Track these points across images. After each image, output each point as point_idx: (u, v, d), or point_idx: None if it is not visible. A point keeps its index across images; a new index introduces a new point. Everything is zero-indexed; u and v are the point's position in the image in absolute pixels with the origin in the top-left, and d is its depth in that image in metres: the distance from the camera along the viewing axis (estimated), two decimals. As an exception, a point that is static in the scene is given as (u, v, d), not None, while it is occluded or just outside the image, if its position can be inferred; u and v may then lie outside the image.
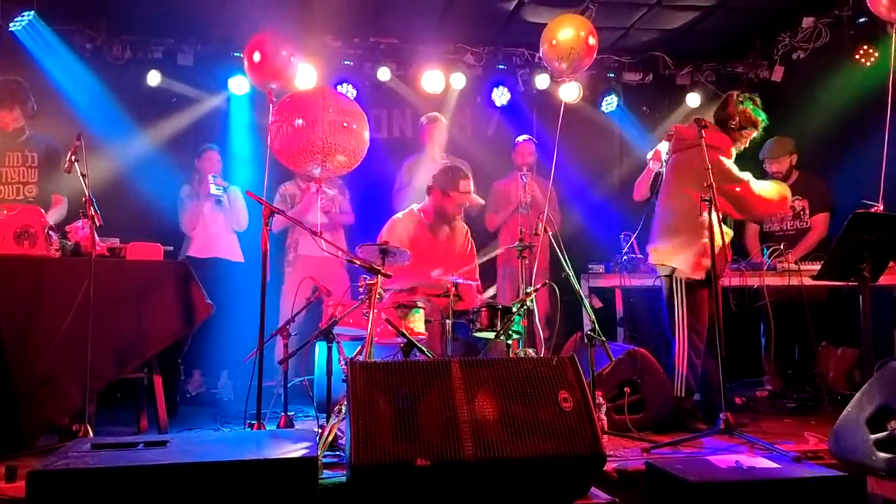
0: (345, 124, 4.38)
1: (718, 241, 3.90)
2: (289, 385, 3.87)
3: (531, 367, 2.89)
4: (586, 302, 4.52)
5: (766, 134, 4.67)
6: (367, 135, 4.58)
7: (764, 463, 2.99)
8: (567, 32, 4.71)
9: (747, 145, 4.50)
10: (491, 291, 5.38)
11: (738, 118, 4.36)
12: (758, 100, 4.45)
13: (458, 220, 5.17)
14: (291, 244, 5.78)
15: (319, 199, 5.32)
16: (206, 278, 4.29)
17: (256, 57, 4.54)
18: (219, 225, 5.74)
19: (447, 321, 4.31)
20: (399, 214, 5.06)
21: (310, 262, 5.55)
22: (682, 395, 4.20)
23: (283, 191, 5.79)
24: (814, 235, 5.38)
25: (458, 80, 6.44)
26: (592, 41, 4.74)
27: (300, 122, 4.31)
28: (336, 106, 4.43)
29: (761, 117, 4.40)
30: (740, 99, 4.39)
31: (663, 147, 5.18)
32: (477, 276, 5.10)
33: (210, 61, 6.13)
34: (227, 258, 5.74)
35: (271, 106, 4.55)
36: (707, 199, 3.83)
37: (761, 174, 5.24)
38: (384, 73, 6.34)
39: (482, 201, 5.70)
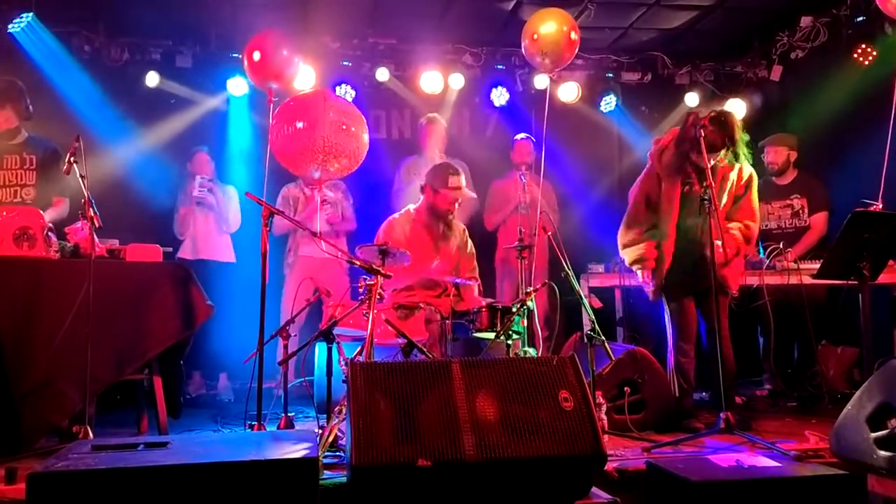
0: (343, 127, 4.39)
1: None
2: (289, 386, 3.87)
3: (531, 367, 2.89)
4: (586, 302, 4.52)
5: (766, 134, 4.67)
6: (366, 138, 4.59)
7: (765, 462, 2.98)
8: (548, 27, 4.68)
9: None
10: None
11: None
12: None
13: (455, 219, 5.17)
14: (292, 246, 5.80)
15: (320, 203, 5.33)
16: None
17: (256, 56, 4.54)
18: (208, 227, 5.76)
19: (447, 322, 4.31)
20: (396, 215, 5.07)
21: (310, 263, 5.56)
22: (677, 394, 4.23)
23: (286, 193, 5.80)
24: (812, 235, 5.38)
25: (457, 81, 6.44)
26: (574, 36, 4.71)
27: (301, 124, 4.31)
28: (336, 109, 4.44)
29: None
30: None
31: None
32: (477, 276, 5.11)
33: (208, 63, 6.13)
34: (217, 259, 5.74)
35: (271, 106, 4.55)
36: (706, 198, 3.83)
37: (757, 162, 5.17)
38: (383, 74, 6.34)
39: (474, 195, 5.68)
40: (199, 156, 5.77)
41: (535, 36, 4.69)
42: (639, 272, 4.37)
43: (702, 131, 3.90)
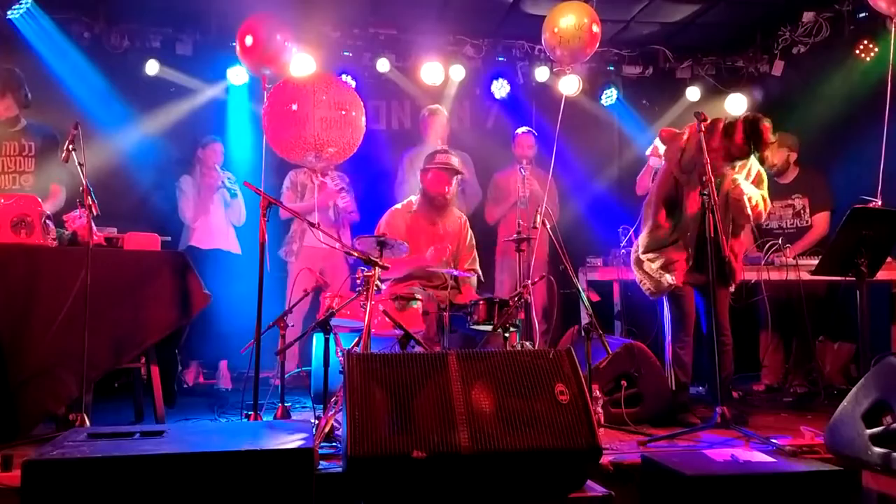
0: (343, 112, 4.34)
1: None
2: (286, 376, 3.87)
3: (528, 359, 2.89)
4: (584, 295, 4.52)
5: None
6: (363, 120, 4.52)
7: (760, 457, 2.99)
8: (569, 20, 4.67)
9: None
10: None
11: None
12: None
13: (453, 209, 5.15)
14: (297, 233, 5.76)
15: (338, 191, 5.32)
16: (207, 269, 4.29)
17: (249, 41, 4.48)
18: (221, 217, 5.74)
19: (444, 313, 4.31)
20: (398, 205, 5.07)
21: (314, 252, 5.54)
22: (673, 388, 4.23)
23: (294, 178, 5.75)
24: (814, 234, 5.33)
25: (458, 72, 6.42)
26: (596, 29, 4.70)
27: (294, 106, 4.26)
28: (329, 94, 4.37)
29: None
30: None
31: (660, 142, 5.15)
32: (477, 268, 5.10)
33: (209, 51, 6.10)
34: (228, 250, 5.74)
35: (265, 92, 4.51)
36: (705, 193, 3.82)
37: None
38: (383, 65, 6.32)
39: (465, 174, 5.60)
40: (213, 145, 5.72)
41: (556, 29, 4.68)
42: (667, 276, 4.20)
43: (702, 134, 3.88)
